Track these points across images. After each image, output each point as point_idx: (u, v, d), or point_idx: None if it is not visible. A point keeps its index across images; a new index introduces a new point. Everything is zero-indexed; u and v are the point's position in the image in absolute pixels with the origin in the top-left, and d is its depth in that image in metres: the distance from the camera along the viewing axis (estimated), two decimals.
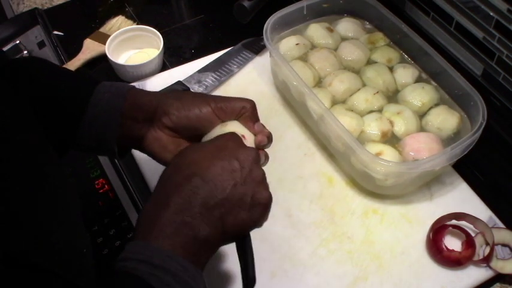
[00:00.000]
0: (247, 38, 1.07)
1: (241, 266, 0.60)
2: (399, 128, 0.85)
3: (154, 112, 0.64)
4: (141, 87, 0.98)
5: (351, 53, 0.95)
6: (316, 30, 0.99)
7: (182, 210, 0.53)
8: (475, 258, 0.75)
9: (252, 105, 0.64)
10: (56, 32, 1.11)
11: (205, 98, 0.64)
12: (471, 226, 0.79)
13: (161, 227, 0.52)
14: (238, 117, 0.64)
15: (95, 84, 0.65)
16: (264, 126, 0.65)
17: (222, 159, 0.57)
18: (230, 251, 0.61)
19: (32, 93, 0.62)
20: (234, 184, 0.56)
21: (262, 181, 0.59)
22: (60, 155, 0.65)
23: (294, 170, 0.87)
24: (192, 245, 0.53)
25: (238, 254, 0.60)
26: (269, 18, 0.92)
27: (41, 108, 0.62)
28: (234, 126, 0.64)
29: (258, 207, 0.58)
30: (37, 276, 0.45)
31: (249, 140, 0.64)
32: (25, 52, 1.05)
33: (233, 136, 0.61)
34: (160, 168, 0.84)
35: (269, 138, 0.64)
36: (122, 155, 0.67)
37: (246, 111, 0.64)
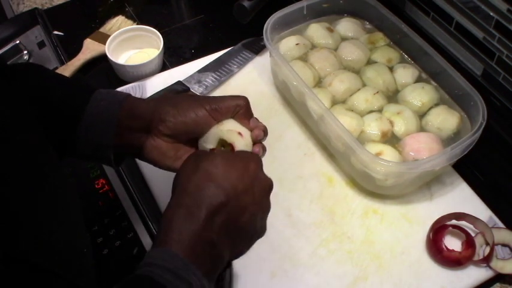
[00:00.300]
0: (247, 38, 1.07)
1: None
2: (399, 128, 0.85)
3: (151, 121, 0.64)
4: (141, 87, 0.99)
5: (351, 53, 0.95)
6: (316, 30, 0.99)
7: (211, 228, 0.53)
8: (475, 258, 0.75)
9: (245, 102, 0.65)
10: (56, 32, 1.11)
11: (200, 101, 0.64)
12: (471, 226, 0.79)
13: (190, 240, 0.52)
14: (233, 115, 0.65)
15: (91, 92, 0.65)
16: (258, 120, 0.66)
17: (247, 185, 0.56)
18: None
19: (29, 100, 0.62)
20: (252, 213, 0.56)
21: (267, 212, 0.60)
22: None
23: (294, 170, 0.87)
24: (214, 264, 0.53)
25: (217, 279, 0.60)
26: (269, 18, 0.92)
27: (36, 115, 0.61)
28: (230, 125, 0.64)
29: (257, 237, 0.59)
30: (37, 276, 0.45)
31: (246, 136, 0.64)
32: (25, 52, 1.05)
33: (257, 159, 0.60)
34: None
35: (265, 131, 0.65)
36: (118, 162, 0.67)
37: (241, 108, 0.64)
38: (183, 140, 0.65)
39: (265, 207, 0.59)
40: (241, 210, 0.55)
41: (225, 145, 0.64)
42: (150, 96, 0.95)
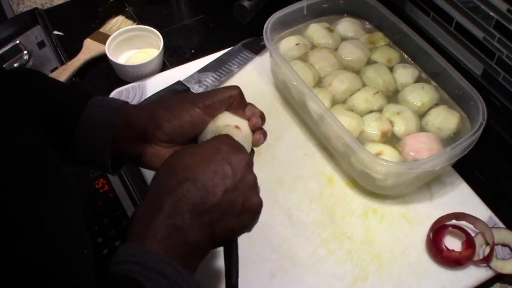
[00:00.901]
0: (247, 38, 1.07)
1: (225, 271, 0.60)
2: (399, 128, 0.85)
3: (146, 129, 0.64)
4: (141, 87, 0.99)
5: (351, 53, 0.95)
6: (316, 30, 0.99)
7: (174, 214, 0.53)
8: (475, 258, 0.75)
9: (238, 91, 0.64)
10: (56, 32, 1.11)
11: (193, 101, 0.64)
12: (471, 226, 0.79)
13: (154, 230, 0.52)
14: (227, 107, 0.64)
15: (87, 98, 0.65)
16: (254, 107, 0.65)
17: (215, 164, 0.56)
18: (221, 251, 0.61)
19: (24, 105, 0.62)
20: (225, 190, 0.56)
21: (253, 187, 0.59)
22: None
23: (294, 170, 0.87)
24: (184, 249, 0.53)
25: (224, 259, 0.60)
26: (269, 18, 0.92)
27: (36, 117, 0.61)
28: (226, 119, 0.64)
29: (248, 213, 0.58)
30: (37, 276, 0.45)
31: (243, 127, 0.64)
32: (25, 52, 1.05)
33: (227, 139, 0.61)
34: None
35: (262, 117, 0.65)
36: (116, 169, 0.67)
37: (234, 99, 0.64)
38: (181, 143, 0.65)
39: (248, 182, 0.58)
40: (209, 189, 0.55)
41: None
42: (150, 97, 0.95)
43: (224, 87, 0.65)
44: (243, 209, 0.57)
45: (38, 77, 0.68)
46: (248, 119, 0.65)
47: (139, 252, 0.50)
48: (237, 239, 0.60)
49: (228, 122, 0.63)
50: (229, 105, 0.64)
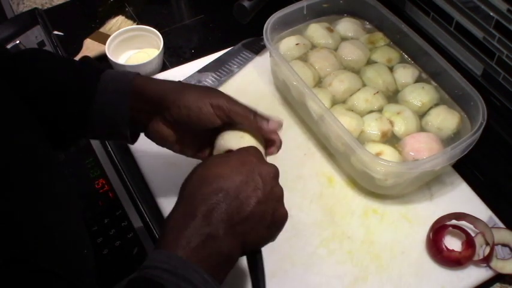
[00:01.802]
0: (247, 38, 1.07)
1: (252, 280, 0.60)
2: (399, 128, 0.85)
3: (158, 106, 0.64)
4: None
5: (351, 53, 0.95)
6: (316, 30, 0.99)
7: (208, 223, 0.53)
8: (475, 258, 0.75)
9: (255, 117, 0.64)
10: (56, 32, 1.11)
11: (208, 95, 0.64)
12: (471, 226, 0.79)
13: (188, 238, 0.52)
14: (241, 123, 0.64)
15: (100, 72, 0.65)
16: (273, 128, 0.66)
17: (246, 175, 0.57)
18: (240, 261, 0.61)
19: (38, 85, 0.62)
20: (258, 201, 0.56)
21: (281, 198, 0.60)
22: (68, 145, 0.67)
23: (294, 170, 0.87)
24: (216, 259, 0.53)
25: (249, 267, 0.60)
26: (269, 18, 0.92)
27: (47, 99, 0.62)
28: (241, 138, 0.64)
29: (277, 224, 0.59)
30: (38, 276, 0.45)
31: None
32: None
33: (254, 151, 0.61)
34: (160, 167, 0.84)
35: (279, 147, 0.67)
36: (134, 139, 0.68)
37: (249, 123, 0.64)
38: (185, 130, 0.66)
39: (276, 193, 0.59)
40: (243, 200, 0.55)
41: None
42: None
43: (246, 106, 0.65)
44: (273, 220, 0.58)
45: (47, 56, 0.69)
46: (267, 141, 0.66)
47: (170, 260, 0.50)
48: (261, 249, 0.61)
49: (240, 144, 0.63)
50: (244, 123, 0.64)
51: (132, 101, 0.64)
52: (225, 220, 0.54)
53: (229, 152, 0.63)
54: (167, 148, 0.69)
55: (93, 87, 0.64)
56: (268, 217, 0.57)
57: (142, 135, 0.70)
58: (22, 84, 0.61)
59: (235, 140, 0.64)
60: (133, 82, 0.64)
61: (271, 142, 0.67)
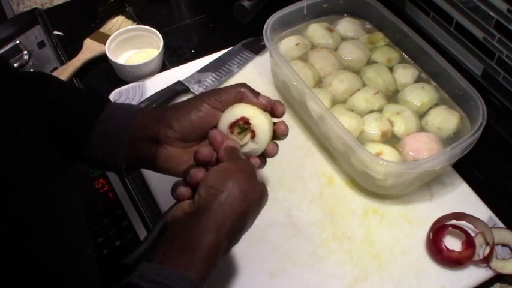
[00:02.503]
0: (247, 38, 1.07)
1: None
2: (399, 128, 0.85)
3: (158, 131, 0.64)
4: (141, 87, 0.99)
5: (351, 53, 0.95)
6: (316, 30, 0.99)
7: (220, 248, 0.55)
8: (475, 258, 0.75)
9: (245, 87, 0.65)
10: (56, 32, 1.11)
11: (200, 97, 0.65)
12: (471, 226, 0.79)
13: (205, 266, 0.53)
14: (237, 101, 0.65)
15: (105, 102, 0.66)
16: (267, 98, 0.65)
17: (252, 193, 0.58)
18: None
19: (40, 108, 0.62)
20: (254, 218, 0.60)
21: (253, 175, 0.61)
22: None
23: (294, 170, 0.87)
24: (210, 267, 0.54)
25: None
26: (269, 18, 0.92)
27: (48, 122, 0.62)
28: (241, 110, 0.64)
29: (260, 207, 0.61)
30: (41, 276, 0.45)
31: (259, 118, 0.64)
32: (25, 52, 1.05)
33: (249, 165, 0.62)
34: None
35: (282, 104, 0.66)
36: (129, 172, 0.67)
37: (243, 93, 0.64)
38: (194, 141, 0.65)
39: (259, 212, 0.61)
40: (248, 222, 0.58)
41: (244, 128, 0.64)
42: (150, 97, 0.95)
43: (230, 85, 0.66)
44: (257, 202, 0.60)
45: (52, 81, 0.69)
46: (268, 108, 0.65)
47: (183, 282, 0.51)
48: None
49: (244, 113, 0.63)
50: (240, 100, 0.65)
51: (136, 132, 0.64)
52: (228, 236, 0.56)
53: (243, 119, 0.63)
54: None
55: (96, 115, 0.64)
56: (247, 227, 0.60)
57: None
58: (25, 103, 0.61)
59: (246, 107, 0.64)
60: (137, 114, 0.65)
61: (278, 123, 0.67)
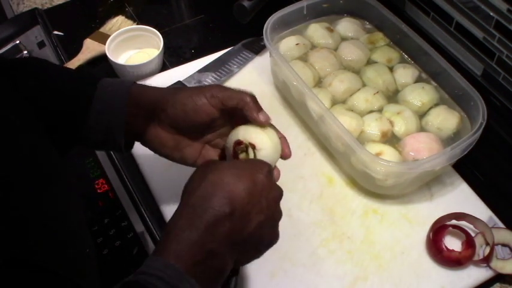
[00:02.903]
0: (247, 38, 1.07)
1: None
2: (399, 128, 0.85)
3: (154, 110, 0.65)
4: None
5: (351, 53, 0.95)
6: (316, 30, 0.99)
7: (213, 240, 0.52)
8: (475, 258, 0.75)
9: (251, 98, 0.63)
10: (56, 32, 1.11)
11: (201, 90, 0.64)
12: (471, 226, 0.79)
13: (190, 251, 0.51)
14: (240, 109, 0.63)
15: (97, 80, 0.65)
16: (267, 116, 0.64)
17: (254, 196, 0.55)
18: None
19: (34, 92, 0.62)
20: (259, 225, 0.56)
21: (277, 222, 0.59)
22: (64, 151, 0.65)
23: (294, 170, 0.87)
24: (211, 275, 0.53)
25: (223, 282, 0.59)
26: (269, 18, 0.92)
27: (43, 106, 0.62)
28: (244, 131, 0.63)
29: (268, 245, 0.59)
30: (40, 276, 0.45)
31: (259, 143, 0.63)
32: (25, 52, 1.05)
33: (267, 169, 0.59)
34: (160, 167, 0.84)
35: (286, 154, 0.66)
36: (128, 148, 0.68)
37: (245, 104, 0.63)
38: (184, 130, 0.65)
39: (275, 218, 0.59)
40: (247, 221, 0.55)
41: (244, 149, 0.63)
42: None
43: (239, 90, 0.65)
44: (266, 244, 0.58)
45: (44, 64, 0.69)
46: (261, 125, 0.64)
47: (168, 270, 0.50)
48: (239, 269, 0.61)
49: (245, 136, 0.63)
50: (241, 108, 0.63)
51: (129, 107, 0.64)
52: (227, 238, 0.53)
53: (252, 145, 0.62)
54: (167, 157, 0.67)
55: (90, 94, 0.64)
56: (264, 242, 0.58)
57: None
58: (20, 89, 0.61)
59: (253, 130, 0.63)
60: (130, 89, 0.65)
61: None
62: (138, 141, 0.68)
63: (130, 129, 0.65)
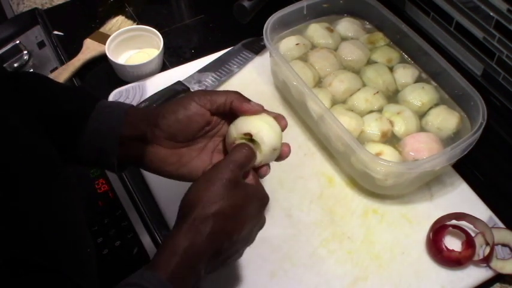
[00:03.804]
0: (247, 38, 1.07)
1: None
2: (399, 128, 0.85)
3: (145, 129, 0.64)
4: (141, 87, 0.99)
5: (351, 53, 0.95)
6: (316, 30, 0.99)
7: (202, 260, 0.55)
8: (475, 258, 0.75)
9: (237, 93, 0.64)
10: (56, 32, 1.11)
11: (189, 96, 0.64)
12: (471, 226, 0.79)
13: (183, 274, 0.53)
14: (228, 105, 0.64)
15: (96, 101, 0.66)
16: (259, 104, 0.65)
17: (248, 222, 0.58)
18: None
19: (35, 106, 0.62)
20: (245, 245, 0.61)
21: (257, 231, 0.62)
22: None
23: (294, 170, 0.87)
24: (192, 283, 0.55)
25: None
26: (269, 18, 0.92)
27: (41, 120, 0.62)
28: (247, 121, 0.63)
29: (233, 261, 0.62)
30: (41, 276, 0.45)
31: (260, 132, 0.63)
32: (25, 52, 1.05)
33: (260, 193, 0.61)
34: None
35: (284, 124, 0.66)
36: (121, 169, 0.67)
37: (233, 98, 0.64)
38: (182, 141, 0.65)
39: (253, 240, 0.62)
40: (239, 247, 0.59)
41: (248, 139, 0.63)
42: (150, 97, 0.95)
43: (224, 90, 0.66)
44: (234, 259, 0.61)
45: (44, 81, 0.69)
46: (259, 112, 0.64)
47: (153, 280, 0.51)
48: None
49: (248, 127, 0.63)
50: (230, 104, 0.64)
51: (125, 128, 0.64)
52: (214, 256, 0.56)
53: (248, 134, 0.62)
54: (172, 176, 0.67)
55: (86, 115, 0.64)
56: (234, 258, 0.61)
57: None
58: (19, 103, 0.61)
59: (249, 119, 0.63)
60: (128, 112, 0.65)
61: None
62: (140, 167, 0.68)
63: (128, 152, 0.65)
